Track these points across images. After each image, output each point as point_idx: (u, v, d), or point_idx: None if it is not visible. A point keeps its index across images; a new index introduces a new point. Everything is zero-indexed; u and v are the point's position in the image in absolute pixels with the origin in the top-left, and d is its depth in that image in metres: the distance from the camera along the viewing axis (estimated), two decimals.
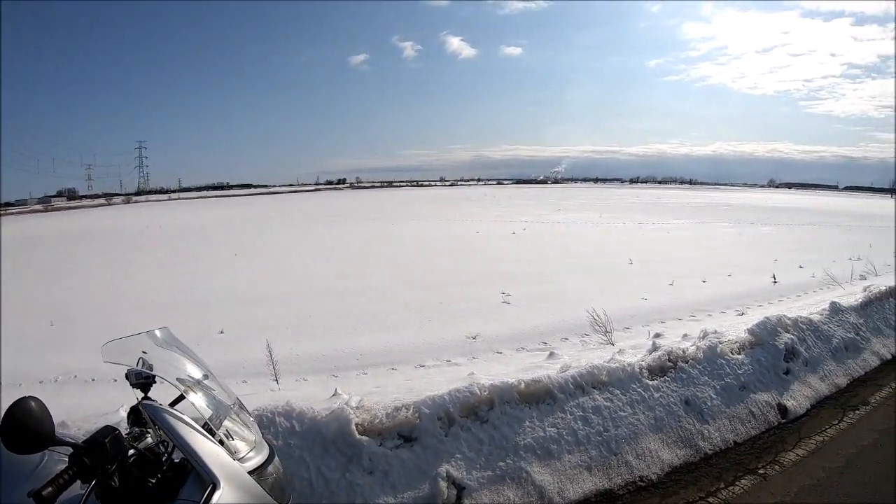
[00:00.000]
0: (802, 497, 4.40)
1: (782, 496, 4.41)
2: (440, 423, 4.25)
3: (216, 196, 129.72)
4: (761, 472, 4.78)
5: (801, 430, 5.58)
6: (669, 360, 5.66)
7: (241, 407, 2.49)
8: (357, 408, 4.23)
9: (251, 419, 2.52)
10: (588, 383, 5.00)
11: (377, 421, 4.14)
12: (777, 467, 4.86)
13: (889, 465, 4.94)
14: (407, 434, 4.16)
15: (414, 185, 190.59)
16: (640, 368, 5.39)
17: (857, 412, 6.10)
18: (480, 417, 4.41)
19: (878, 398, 6.53)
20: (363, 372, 7.52)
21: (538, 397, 4.73)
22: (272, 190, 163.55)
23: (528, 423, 4.51)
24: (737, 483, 4.59)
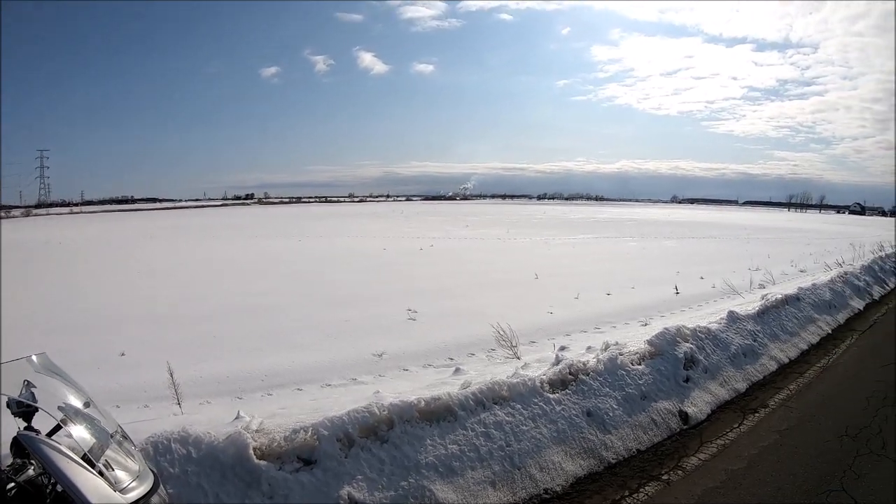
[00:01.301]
0: (706, 500, 4.63)
1: (686, 500, 4.63)
2: (340, 445, 4.24)
3: (120, 210, 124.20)
4: (665, 477, 5.00)
5: (702, 435, 5.89)
6: (570, 373, 5.87)
7: (124, 435, 2.45)
8: (257, 431, 4.20)
9: (134, 448, 2.49)
10: (489, 399, 5.13)
11: (275, 444, 4.11)
12: (680, 472, 5.11)
13: (790, 463, 5.28)
14: (307, 457, 4.14)
15: (323, 201, 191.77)
16: (541, 382, 5.56)
17: (757, 415, 6.49)
18: (381, 437, 4.44)
19: (776, 400, 6.98)
20: (268, 393, 7.40)
21: (439, 415, 4.81)
22: (179, 204, 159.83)
23: (429, 441, 4.57)
24: (641, 490, 4.79)
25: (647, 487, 4.82)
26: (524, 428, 5.04)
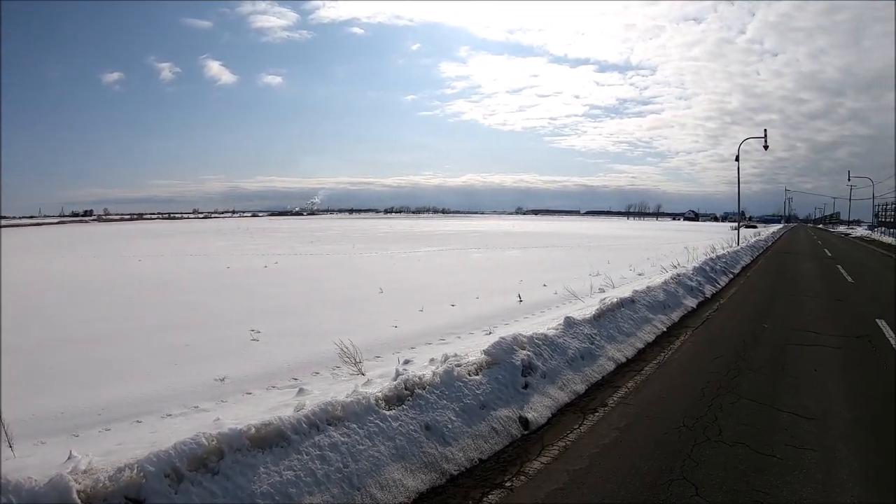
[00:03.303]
0: (550, 502, 4.80)
1: None
2: (169, 481, 4.08)
3: None
4: (508, 484, 5.13)
5: (543, 439, 6.13)
6: (406, 388, 5.94)
7: None
8: (84, 472, 4.01)
9: None
10: (322, 420, 5.07)
11: (101, 485, 3.90)
12: (523, 477, 5.26)
13: (631, 458, 5.60)
14: (134, 496, 3.95)
15: (166, 218, 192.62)
16: (377, 400, 5.58)
17: (597, 414, 6.84)
18: (211, 469, 4.30)
19: (615, 399, 7.39)
20: (106, 428, 6.91)
21: (271, 441, 4.71)
22: (10, 222, 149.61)
23: (262, 469, 4.46)
24: (485, 499, 4.89)
25: (490, 496, 4.92)
26: (361, 447, 5.01)
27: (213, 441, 4.42)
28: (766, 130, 39.96)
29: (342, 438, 4.99)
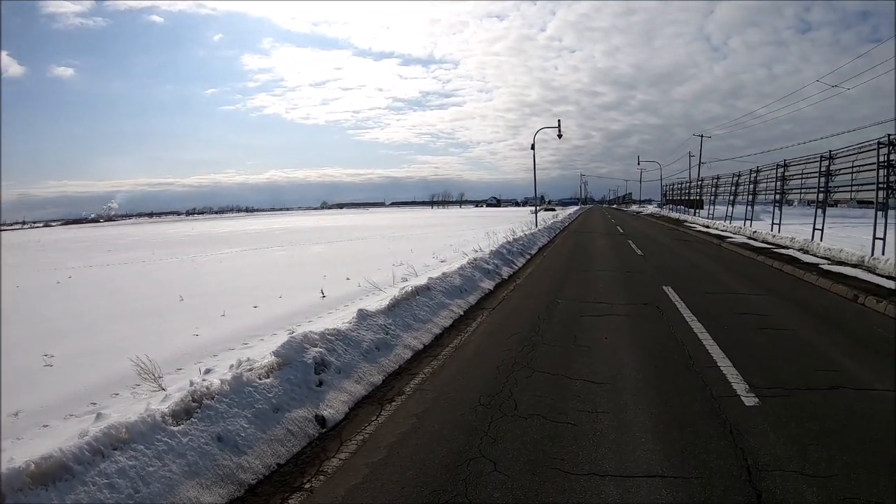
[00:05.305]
0: (350, 498, 4.87)
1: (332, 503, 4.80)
2: None
3: None
4: (307, 486, 5.15)
5: (341, 435, 6.18)
6: (193, 400, 5.78)
7: None
8: None
9: None
10: (107, 445, 4.83)
11: None
12: (322, 477, 5.29)
13: (430, 443, 5.79)
14: None
15: None
16: (163, 416, 5.39)
17: (394, 403, 7.01)
18: None
19: (412, 386, 7.60)
20: None
21: (54, 475, 4.43)
22: None
23: None
24: None
25: (290, 500, 4.92)
26: (151, 469, 4.83)
27: None
28: (559, 121, 43.38)
29: (129, 462, 4.78)
